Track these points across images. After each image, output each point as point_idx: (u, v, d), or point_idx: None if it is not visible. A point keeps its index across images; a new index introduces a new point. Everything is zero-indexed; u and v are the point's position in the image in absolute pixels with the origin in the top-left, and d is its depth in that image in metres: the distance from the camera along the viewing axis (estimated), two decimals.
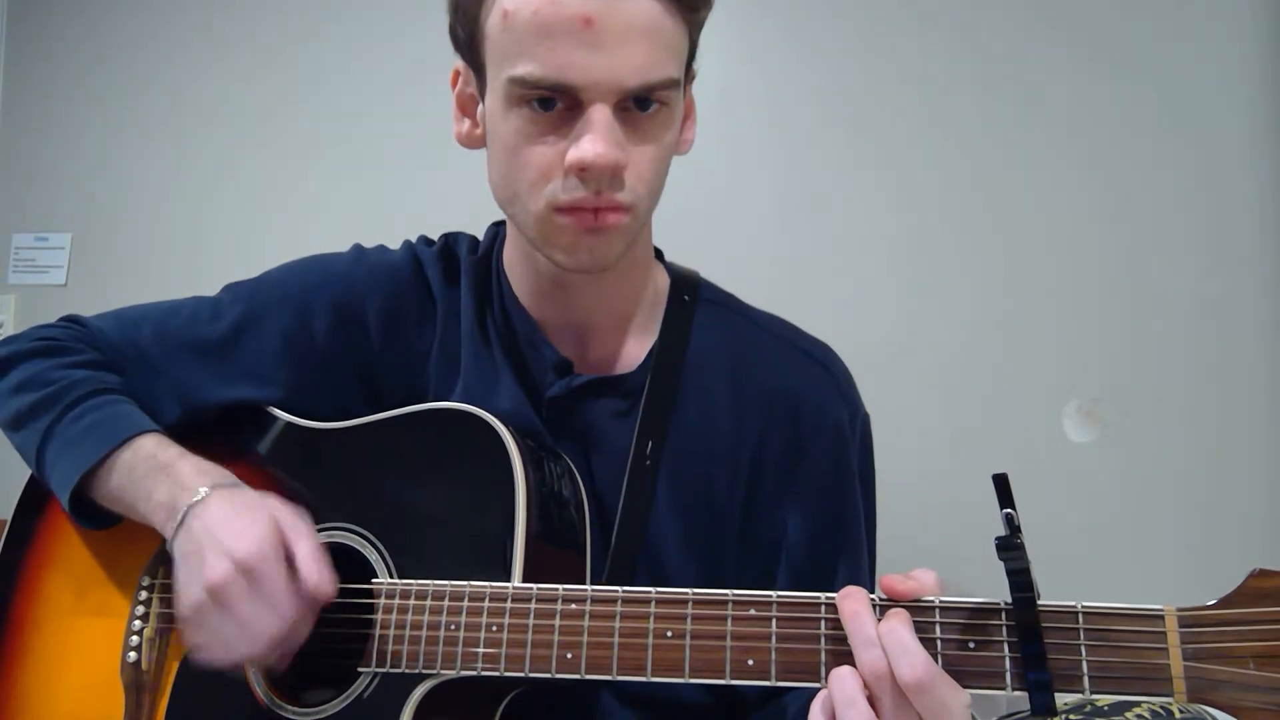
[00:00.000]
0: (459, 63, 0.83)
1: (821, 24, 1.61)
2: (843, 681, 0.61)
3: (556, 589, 0.72)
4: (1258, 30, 1.41)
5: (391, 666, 0.75)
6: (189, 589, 0.74)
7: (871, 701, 0.61)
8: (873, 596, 0.64)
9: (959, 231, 1.52)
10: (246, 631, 0.72)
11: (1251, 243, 1.39)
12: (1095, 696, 0.71)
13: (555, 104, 0.74)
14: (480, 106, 0.82)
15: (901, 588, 0.64)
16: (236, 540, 0.72)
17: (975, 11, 1.54)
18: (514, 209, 0.81)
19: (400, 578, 0.78)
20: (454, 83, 0.85)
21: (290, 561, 0.74)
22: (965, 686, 0.61)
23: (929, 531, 1.35)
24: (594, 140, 0.72)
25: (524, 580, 0.74)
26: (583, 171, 0.74)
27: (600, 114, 0.73)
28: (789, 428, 0.88)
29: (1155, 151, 1.44)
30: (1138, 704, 0.73)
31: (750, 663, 0.66)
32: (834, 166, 1.59)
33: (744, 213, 1.61)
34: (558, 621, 0.71)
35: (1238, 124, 1.41)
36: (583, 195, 0.75)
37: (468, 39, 0.79)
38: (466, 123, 0.85)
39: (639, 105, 0.75)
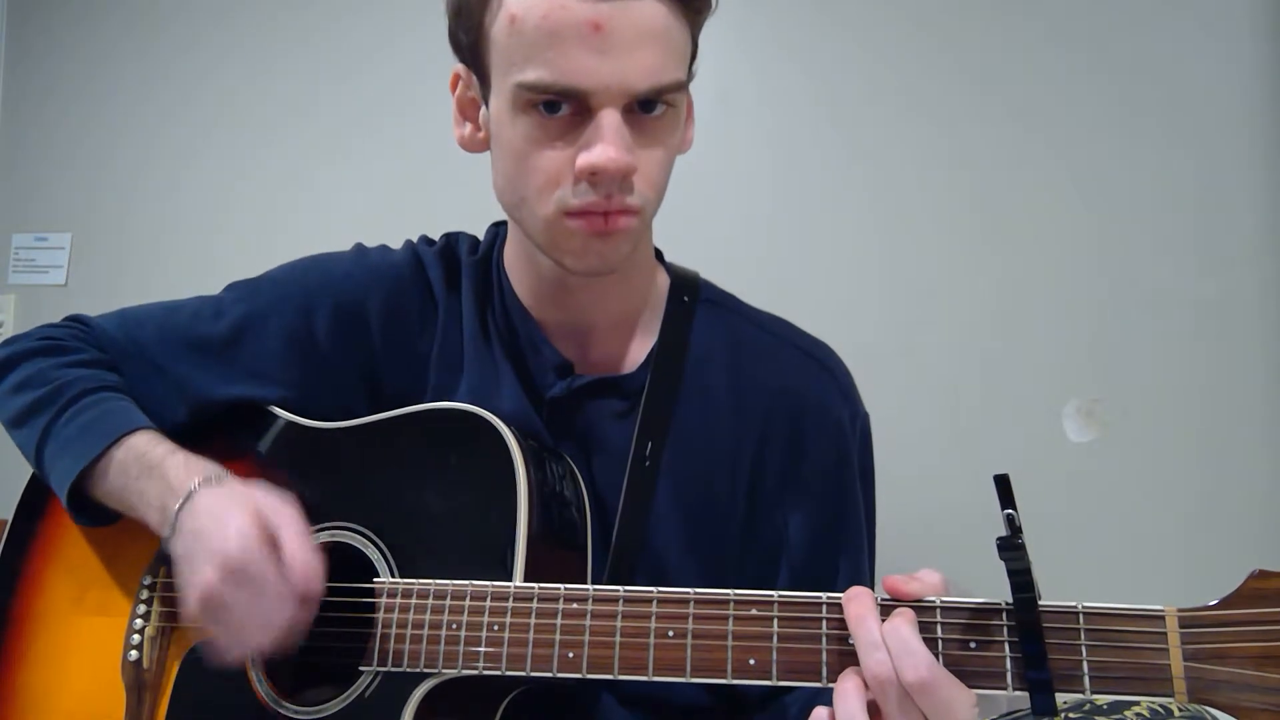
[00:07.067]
0: (458, 66, 0.83)
1: (816, 26, 1.61)
2: (846, 698, 0.61)
3: (558, 588, 0.72)
4: (1255, 29, 1.41)
5: (393, 665, 0.75)
6: (187, 595, 0.75)
7: (876, 705, 0.61)
8: (876, 597, 0.64)
9: (956, 231, 1.52)
10: (246, 628, 0.72)
11: (1248, 242, 1.39)
12: (1094, 696, 0.71)
13: (562, 108, 0.74)
14: (482, 110, 0.82)
15: (905, 588, 0.64)
16: (220, 543, 0.72)
17: (968, 13, 1.54)
18: (521, 213, 0.81)
19: (401, 577, 0.78)
20: (453, 86, 0.85)
21: (279, 551, 0.74)
22: (967, 686, 0.61)
23: (929, 532, 1.35)
24: (605, 145, 0.72)
25: (525, 580, 0.74)
26: (593, 176, 0.74)
27: (610, 118, 0.73)
28: (790, 427, 0.88)
29: (1151, 152, 1.44)
30: (1136, 703, 0.73)
31: (752, 662, 0.66)
32: (832, 167, 1.58)
33: (742, 213, 1.61)
34: (559, 621, 0.71)
35: (1234, 124, 1.41)
36: (593, 200, 0.75)
37: (470, 43, 0.79)
38: (468, 126, 0.85)
39: (645, 108, 0.75)
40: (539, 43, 0.72)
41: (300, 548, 0.73)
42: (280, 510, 0.75)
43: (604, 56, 0.72)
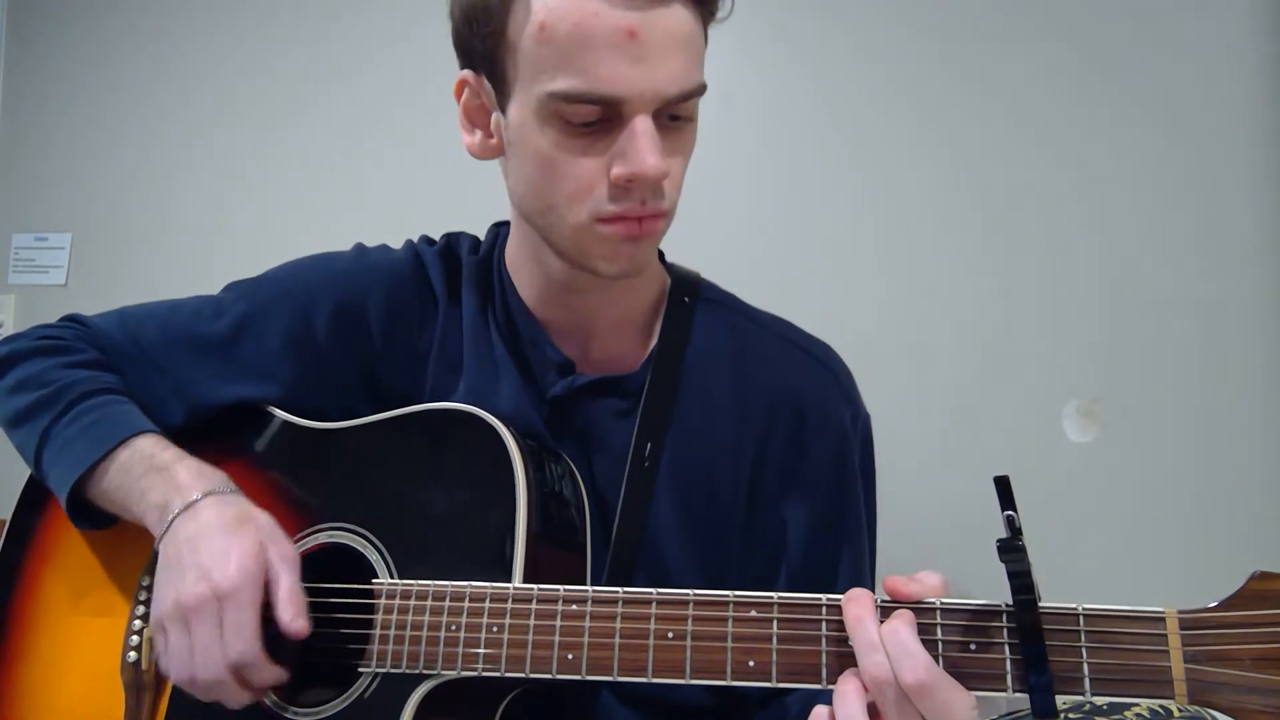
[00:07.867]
0: (464, 73, 0.82)
1: (818, 26, 1.61)
2: (846, 700, 0.61)
3: (557, 590, 0.72)
4: (1254, 28, 1.41)
5: (392, 667, 0.75)
6: (164, 597, 0.74)
7: (875, 706, 0.61)
8: (876, 599, 0.64)
9: (956, 232, 1.52)
10: (197, 655, 0.72)
11: (1248, 242, 1.39)
12: (1094, 697, 0.71)
13: (597, 121, 0.74)
14: (494, 116, 0.81)
15: (905, 590, 0.64)
16: (219, 564, 0.73)
17: (968, 14, 1.53)
18: (547, 219, 0.80)
19: (401, 578, 0.78)
20: (458, 93, 0.83)
21: (270, 593, 0.74)
22: (966, 688, 0.61)
23: (929, 532, 1.35)
24: (644, 154, 0.73)
25: (524, 581, 0.74)
26: (630, 183, 0.74)
27: (645, 125, 0.73)
28: (792, 426, 0.88)
29: (1151, 152, 1.44)
30: (1136, 704, 0.73)
31: (751, 664, 0.66)
32: (833, 167, 1.58)
33: (742, 213, 1.61)
34: (558, 622, 0.71)
35: (1233, 124, 1.41)
36: (630, 206, 0.76)
37: (487, 50, 0.78)
38: (479, 134, 0.84)
39: (672, 116, 0.76)
40: (571, 51, 0.72)
41: (291, 600, 0.74)
42: (283, 552, 0.76)
43: (639, 64, 0.72)
